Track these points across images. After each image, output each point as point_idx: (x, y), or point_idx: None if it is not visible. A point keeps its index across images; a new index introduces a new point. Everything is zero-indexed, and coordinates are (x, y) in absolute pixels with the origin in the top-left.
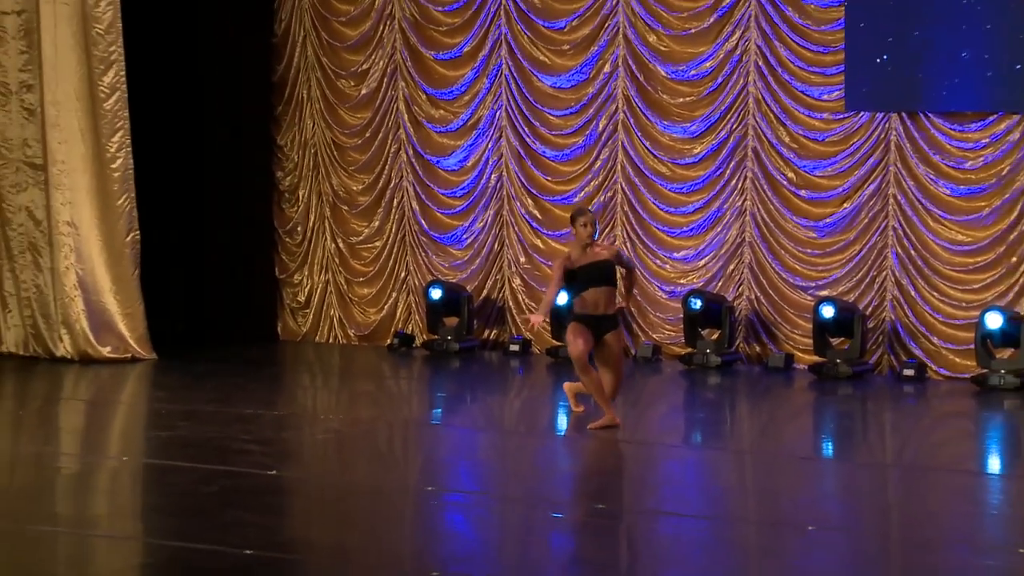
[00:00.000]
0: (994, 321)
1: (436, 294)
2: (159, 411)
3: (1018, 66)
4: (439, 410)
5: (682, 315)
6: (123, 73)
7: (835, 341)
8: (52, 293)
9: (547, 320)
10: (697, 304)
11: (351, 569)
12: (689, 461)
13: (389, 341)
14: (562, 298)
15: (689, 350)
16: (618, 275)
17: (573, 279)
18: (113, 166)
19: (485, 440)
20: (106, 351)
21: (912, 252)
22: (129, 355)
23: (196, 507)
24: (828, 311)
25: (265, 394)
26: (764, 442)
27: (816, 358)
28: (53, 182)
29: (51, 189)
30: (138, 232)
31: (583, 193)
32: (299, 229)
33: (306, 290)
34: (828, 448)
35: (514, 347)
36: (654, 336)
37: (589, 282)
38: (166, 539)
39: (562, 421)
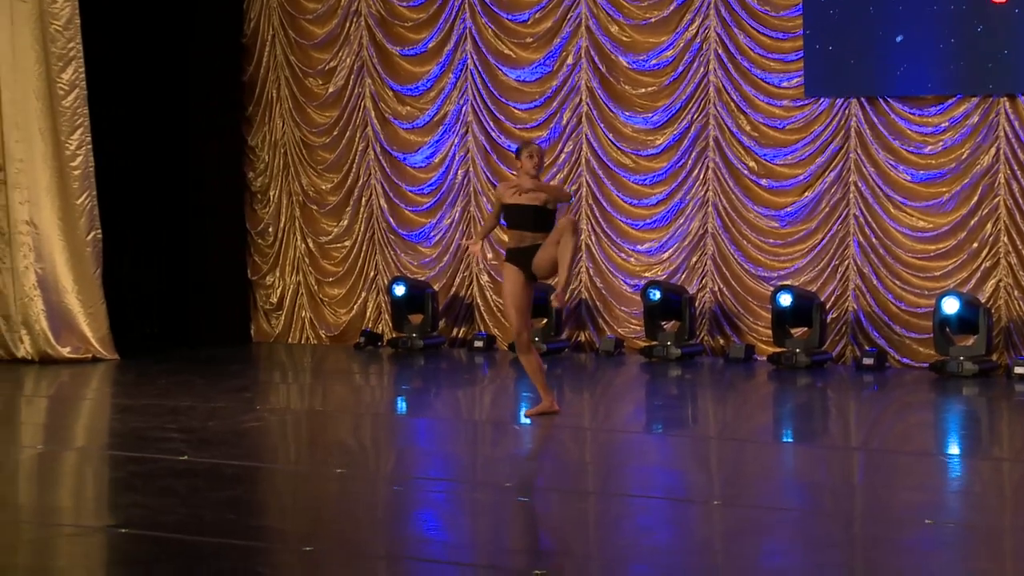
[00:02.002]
0: (951, 307)
1: (400, 291)
2: (96, 405)
3: (969, 49)
4: (402, 399)
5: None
6: (82, 70)
7: (797, 332)
8: (12, 294)
9: (484, 250)
10: (656, 295)
11: (219, 545)
12: (646, 447)
13: (357, 340)
14: None
15: (650, 343)
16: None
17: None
18: (73, 164)
19: (425, 428)
20: (66, 351)
21: (873, 240)
22: (90, 355)
23: (94, 491)
24: (785, 299)
25: (208, 389)
26: (702, 428)
27: (776, 348)
28: (11, 181)
29: (9, 188)
30: (100, 231)
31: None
32: (270, 230)
33: (278, 292)
34: (775, 433)
35: (478, 343)
36: (619, 331)
37: (517, 225)
38: (54, 521)
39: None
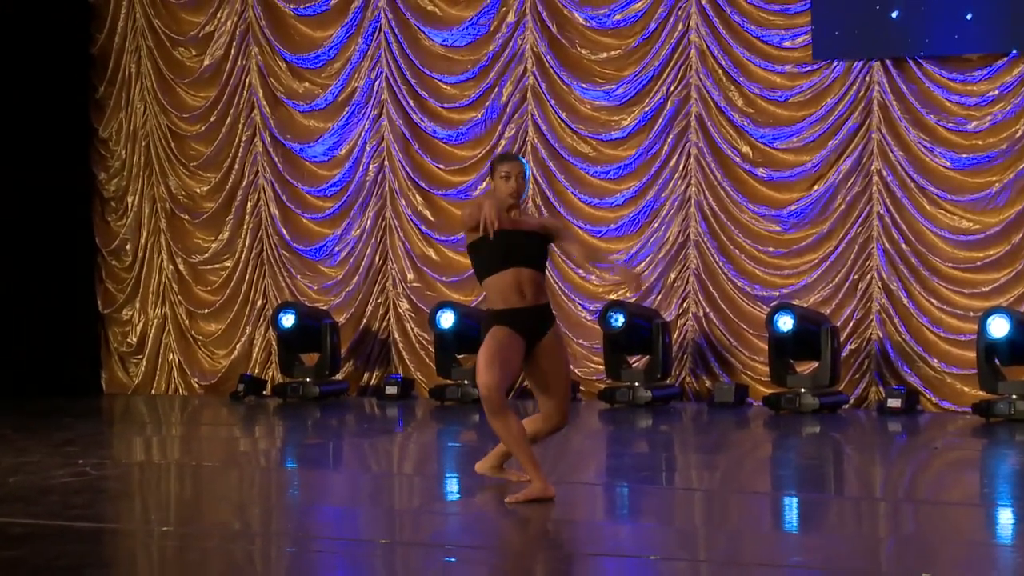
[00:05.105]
0: (1000, 329)
1: (288, 321)
2: None
3: None
4: (285, 453)
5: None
6: None
7: (803, 367)
8: None
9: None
10: (618, 321)
11: None
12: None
13: (235, 389)
14: (446, 318)
15: (612, 384)
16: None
17: (482, 251)
18: None
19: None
20: None
21: (903, 246)
22: None
23: None
24: (786, 323)
25: (22, 443)
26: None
27: (776, 388)
28: None
29: None
30: None
31: (484, 184)
32: (128, 248)
33: (138, 329)
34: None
35: (391, 389)
36: (577, 371)
37: (508, 259)
38: None
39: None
